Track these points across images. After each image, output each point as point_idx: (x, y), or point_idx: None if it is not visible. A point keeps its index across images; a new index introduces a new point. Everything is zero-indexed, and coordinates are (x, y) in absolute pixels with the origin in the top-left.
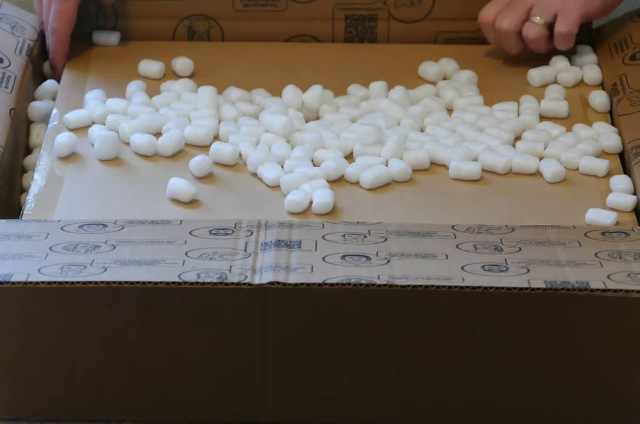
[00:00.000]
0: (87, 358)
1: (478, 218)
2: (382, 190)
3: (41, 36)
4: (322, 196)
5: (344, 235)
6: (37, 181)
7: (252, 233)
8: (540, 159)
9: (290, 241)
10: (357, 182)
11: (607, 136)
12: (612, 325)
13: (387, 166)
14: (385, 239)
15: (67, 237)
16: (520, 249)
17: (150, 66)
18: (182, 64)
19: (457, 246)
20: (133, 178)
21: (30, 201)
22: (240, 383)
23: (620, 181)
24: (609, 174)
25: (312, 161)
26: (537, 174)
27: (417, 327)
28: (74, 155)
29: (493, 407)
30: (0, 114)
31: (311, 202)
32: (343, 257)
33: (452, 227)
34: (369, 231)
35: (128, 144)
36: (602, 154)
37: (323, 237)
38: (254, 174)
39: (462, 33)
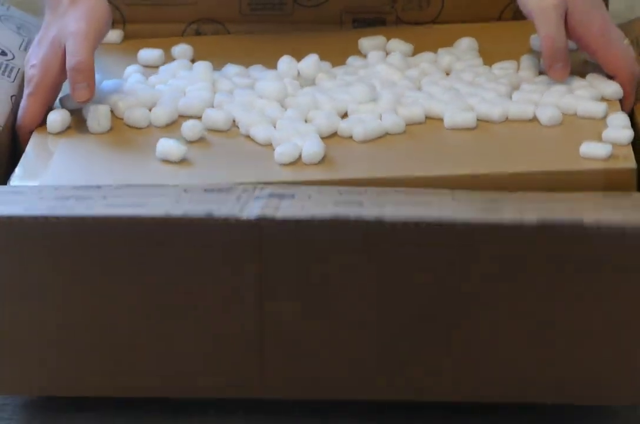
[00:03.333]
0: (74, 318)
1: (473, 164)
2: (375, 142)
3: None
4: (312, 146)
5: (340, 192)
6: (27, 154)
7: (247, 191)
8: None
9: (284, 194)
10: (351, 137)
11: (606, 84)
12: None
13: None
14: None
15: (59, 192)
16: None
17: (150, 53)
18: (181, 50)
19: (452, 199)
20: (125, 147)
21: (18, 169)
22: (236, 341)
23: (618, 117)
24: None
25: (305, 121)
26: (534, 120)
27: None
28: (68, 130)
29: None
30: (1, 100)
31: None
32: (336, 203)
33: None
34: (365, 190)
35: (122, 119)
36: (601, 100)
37: (318, 192)
38: (247, 136)
39: None
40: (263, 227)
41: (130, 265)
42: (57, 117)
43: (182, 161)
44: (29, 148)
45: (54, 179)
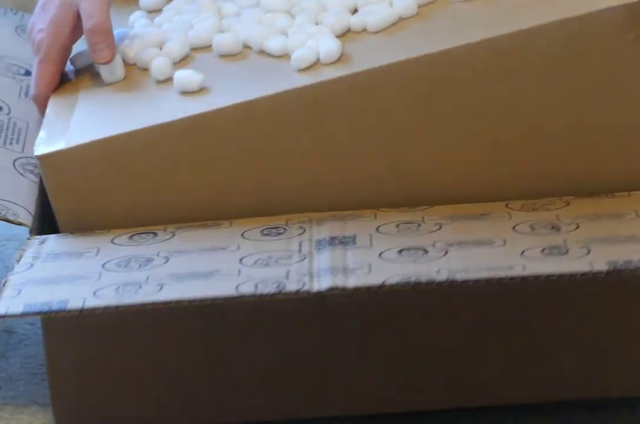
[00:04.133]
0: (152, 375)
1: (490, 28)
2: (390, 30)
3: None
4: (328, 45)
5: (397, 225)
6: (47, 118)
7: (304, 230)
8: None
9: (345, 237)
10: (365, 30)
11: None
12: None
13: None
14: (440, 227)
15: (118, 251)
16: (577, 226)
17: None
18: None
19: (513, 228)
20: (142, 89)
21: (41, 134)
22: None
23: None
24: None
25: (316, 24)
26: None
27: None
28: (84, 87)
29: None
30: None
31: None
32: (400, 251)
33: (506, 205)
34: (422, 218)
35: (134, 65)
36: None
37: (377, 229)
38: (261, 52)
39: None
40: (331, 296)
41: (199, 337)
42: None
43: (202, 90)
44: (48, 112)
45: (78, 137)
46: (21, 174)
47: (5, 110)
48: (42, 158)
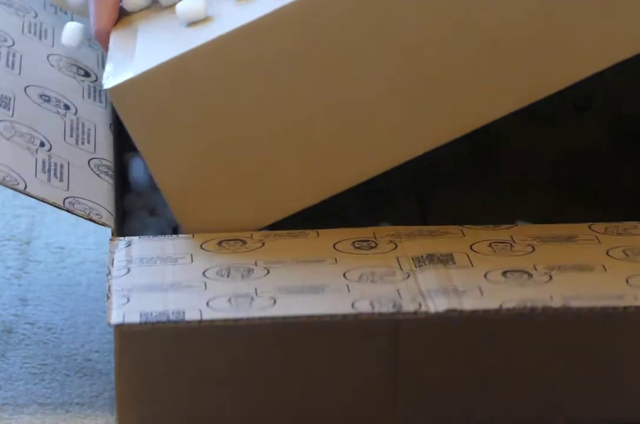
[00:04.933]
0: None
1: None
2: None
3: None
4: None
5: (490, 244)
6: (111, 50)
7: (395, 245)
8: None
9: (442, 255)
10: None
11: None
12: None
13: None
14: (533, 249)
15: (212, 259)
16: None
17: None
18: None
19: (607, 253)
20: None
21: (108, 67)
22: None
23: None
24: None
25: None
26: None
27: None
28: (145, 15)
29: None
30: (101, 132)
31: None
32: (504, 273)
33: (589, 227)
34: (511, 237)
35: None
36: None
37: (471, 248)
38: None
39: None
40: (449, 319)
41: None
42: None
43: (208, 18)
44: (112, 46)
45: (144, 64)
46: (97, 175)
47: (73, 110)
48: (114, 90)
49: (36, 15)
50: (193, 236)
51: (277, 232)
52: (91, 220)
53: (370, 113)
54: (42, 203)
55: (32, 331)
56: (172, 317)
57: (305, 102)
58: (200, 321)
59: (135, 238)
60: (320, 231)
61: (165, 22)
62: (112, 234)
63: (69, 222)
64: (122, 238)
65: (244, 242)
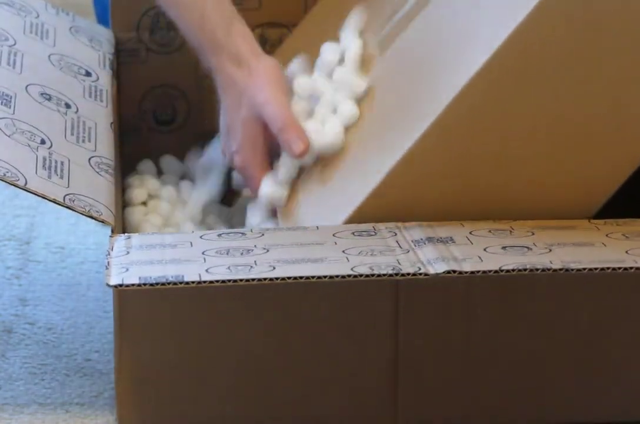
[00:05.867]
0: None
1: None
2: None
3: (116, 50)
4: None
5: (489, 231)
6: None
7: (395, 233)
8: None
9: (441, 238)
10: None
11: None
12: None
13: None
14: (533, 233)
15: (212, 244)
16: None
17: None
18: None
19: (607, 236)
20: None
21: None
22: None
23: None
24: None
25: None
26: None
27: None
28: None
29: None
30: (101, 131)
31: None
32: (504, 247)
33: (589, 221)
34: (511, 226)
35: None
36: None
37: (470, 233)
38: None
39: None
40: (449, 281)
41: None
42: None
43: None
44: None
45: None
46: (97, 173)
47: (74, 108)
48: None
49: (38, 16)
50: (192, 232)
51: (278, 227)
52: (91, 217)
53: None
54: (42, 203)
55: (32, 331)
56: (171, 279)
57: None
58: (200, 282)
59: (135, 234)
60: (320, 225)
61: None
62: (112, 231)
63: (69, 222)
64: (122, 234)
65: (243, 234)
